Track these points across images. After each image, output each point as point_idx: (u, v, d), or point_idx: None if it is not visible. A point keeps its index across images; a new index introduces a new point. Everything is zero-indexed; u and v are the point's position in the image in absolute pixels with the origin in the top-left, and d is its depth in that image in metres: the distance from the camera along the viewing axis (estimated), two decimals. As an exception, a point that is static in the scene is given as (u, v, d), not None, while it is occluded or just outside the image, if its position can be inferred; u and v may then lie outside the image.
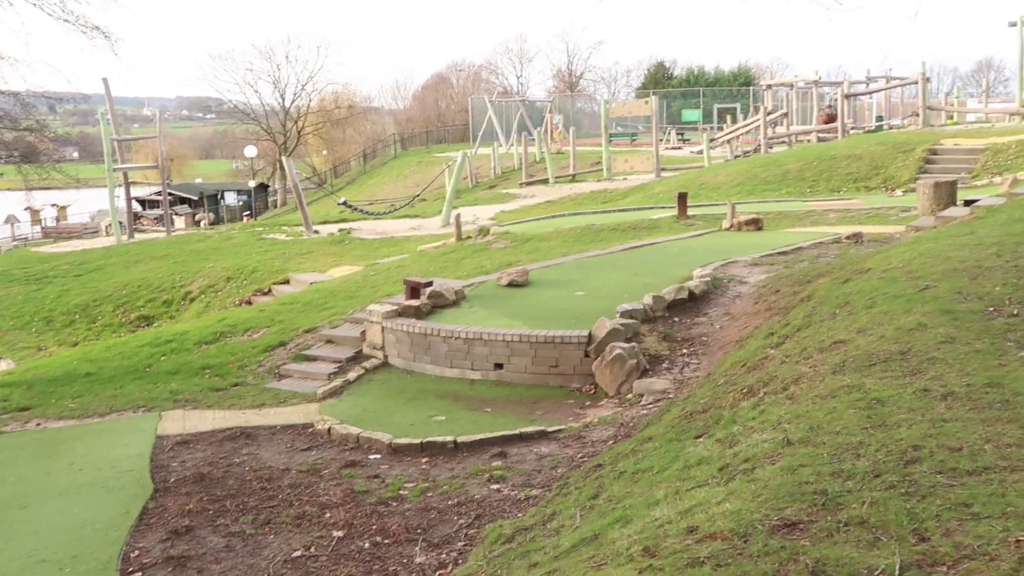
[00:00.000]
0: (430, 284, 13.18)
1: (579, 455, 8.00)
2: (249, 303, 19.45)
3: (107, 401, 11.31)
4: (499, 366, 10.81)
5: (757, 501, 4.23)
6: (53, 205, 52.12)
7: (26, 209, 50.19)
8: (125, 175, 35.53)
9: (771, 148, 35.90)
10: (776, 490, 4.28)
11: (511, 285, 13.58)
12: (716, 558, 3.73)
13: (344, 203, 33.76)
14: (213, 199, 49.00)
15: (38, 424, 10.58)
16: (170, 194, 46.00)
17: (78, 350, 15.84)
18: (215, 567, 6.61)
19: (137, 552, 6.84)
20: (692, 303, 11.82)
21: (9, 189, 55.77)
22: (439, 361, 11.24)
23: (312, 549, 6.80)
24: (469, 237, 20.29)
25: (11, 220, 47.36)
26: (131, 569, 6.56)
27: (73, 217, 51.62)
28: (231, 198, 50.08)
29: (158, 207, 42.76)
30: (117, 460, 8.94)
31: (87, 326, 20.77)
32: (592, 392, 10.10)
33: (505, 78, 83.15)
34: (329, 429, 9.42)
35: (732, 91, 60.60)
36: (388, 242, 24.38)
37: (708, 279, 12.46)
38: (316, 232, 27.81)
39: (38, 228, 48.93)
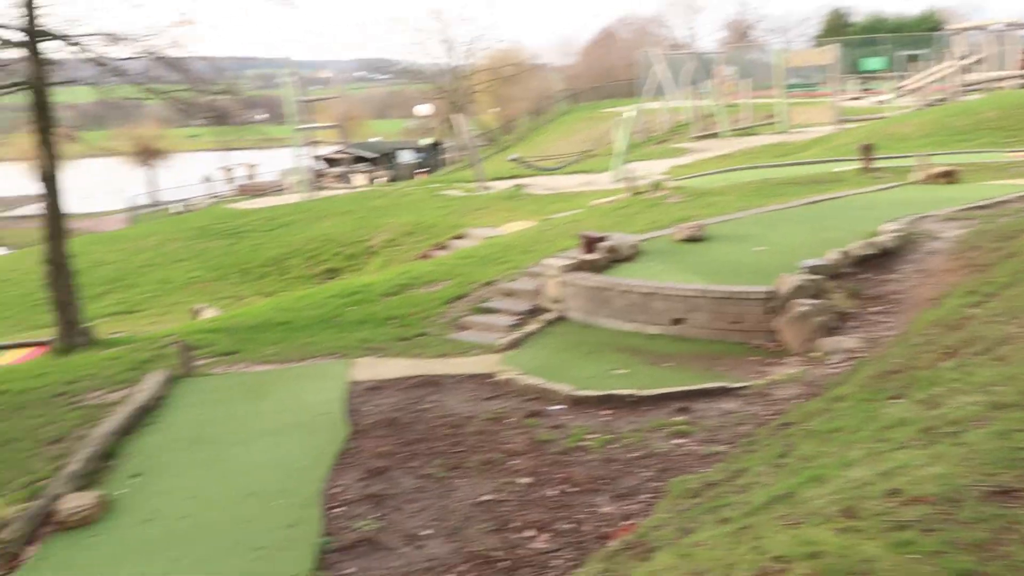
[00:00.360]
0: (605, 239, 13.20)
1: (765, 412, 7.88)
2: (427, 257, 20.07)
3: (302, 348, 12.00)
4: (677, 321, 10.74)
5: (966, 466, 4.06)
6: (244, 164, 55.20)
7: (220, 168, 53.44)
8: (309, 135, 37.18)
9: (964, 96, 33.58)
10: (987, 455, 4.09)
11: (688, 240, 13.41)
12: (923, 523, 3.61)
13: (516, 159, 34.11)
14: (388, 157, 50.56)
15: (244, 367, 11.38)
16: (353, 152, 47.88)
17: (273, 300, 16.84)
18: (410, 506, 6.96)
19: (338, 489, 7.28)
20: (882, 259, 11.32)
21: (205, 149, 59.62)
22: (617, 315, 11.28)
23: (500, 494, 7.04)
24: (642, 192, 20.11)
25: (207, 179, 50.59)
26: (333, 505, 7.00)
27: (262, 175, 54.55)
28: (405, 156, 51.47)
29: (339, 165, 44.56)
30: (315, 403, 9.49)
31: (279, 277, 22.08)
32: (775, 349, 9.89)
33: (674, 31, 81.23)
34: (510, 379, 9.65)
35: (917, 37, 56.79)
36: (560, 197, 24.51)
37: (899, 234, 11.88)
38: (489, 188, 28.27)
39: (232, 186, 52.02)
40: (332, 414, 9.05)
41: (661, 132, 42.10)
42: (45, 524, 6.75)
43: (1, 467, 8.24)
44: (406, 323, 12.66)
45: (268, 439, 8.53)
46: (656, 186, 20.19)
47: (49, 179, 14.31)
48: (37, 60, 14.46)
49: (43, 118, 14.30)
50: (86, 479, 7.50)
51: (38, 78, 14.40)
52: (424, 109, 58.84)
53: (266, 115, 60.14)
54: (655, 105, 42.80)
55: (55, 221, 14.35)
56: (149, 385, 10.02)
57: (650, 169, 26.12)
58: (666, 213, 16.74)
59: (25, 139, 45.63)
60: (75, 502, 6.88)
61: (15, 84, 14.52)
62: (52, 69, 14.98)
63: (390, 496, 7.14)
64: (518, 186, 27.75)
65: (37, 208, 15.74)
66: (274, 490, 7.30)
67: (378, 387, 9.92)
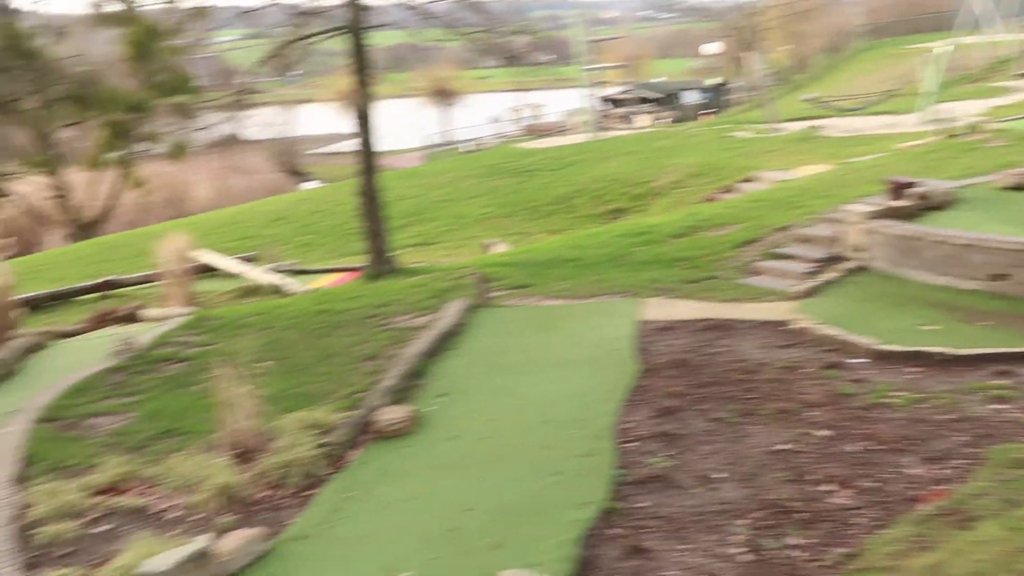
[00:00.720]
0: (916, 184, 12.25)
1: (1109, 383, 7.05)
2: (713, 200, 19.68)
3: (591, 285, 12.21)
4: (999, 277, 9.78)
5: None
6: (530, 105, 56.56)
7: (508, 109, 55.19)
8: (596, 75, 37.39)
9: None
10: None
11: (1015, 188, 12.14)
12: None
13: (810, 99, 32.40)
14: (672, 98, 49.82)
15: (536, 300, 11.78)
16: (636, 93, 47.69)
17: (562, 237, 17.26)
18: (702, 448, 6.93)
19: (630, 425, 7.38)
20: None
21: (493, 90, 61.75)
22: (926, 267, 10.47)
23: (797, 444, 6.83)
24: (956, 135, 18.42)
25: (496, 119, 52.47)
26: (626, 440, 7.10)
27: (547, 116, 55.69)
28: (690, 96, 50.46)
29: (623, 105, 44.53)
30: (604, 339, 9.64)
31: (566, 216, 22.59)
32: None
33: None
34: (806, 328, 9.29)
35: None
36: (859, 140, 23.05)
37: None
38: (780, 130, 27.11)
39: (519, 126, 53.62)
40: (622, 351, 9.15)
41: (977, 70, 38.18)
42: (365, 432, 7.40)
43: (325, 378, 9.09)
44: (695, 265, 12.51)
45: (560, 370, 8.79)
46: (973, 128, 18.42)
47: (363, 118, 15.44)
48: (355, 5, 15.53)
49: (360, 61, 15.38)
50: (399, 395, 8.12)
51: (356, 23, 15.47)
52: (711, 48, 57.18)
53: (553, 56, 61.13)
54: (971, 40, 38.84)
55: (368, 157, 15.50)
56: (451, 312, 10.63)
57: (965, 110, 23.83)
58: (986, 158, 15.25)
59: (336, 81, 49.52)
60: (391, 414, 7.48)
61: (335, 29, 15.70)
62: (368, 14, 16.04)
63: (681, 436, 7.14)
64: (812, 127, 26.39)
65: (345, 145, 17.04)
66: (568, 420, 7.53)
67: (668, 328, 9.90)
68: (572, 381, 8.49)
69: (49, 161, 35.70)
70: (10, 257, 12.59)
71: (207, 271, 18.07)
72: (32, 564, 5.59)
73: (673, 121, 42.83)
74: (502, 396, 8.29)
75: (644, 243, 14.11)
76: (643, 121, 43.02)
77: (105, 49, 38.25)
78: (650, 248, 13.78)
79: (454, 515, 6.05)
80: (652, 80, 58.79)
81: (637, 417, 7.53)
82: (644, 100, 46.80)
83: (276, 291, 16.34)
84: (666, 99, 48.04)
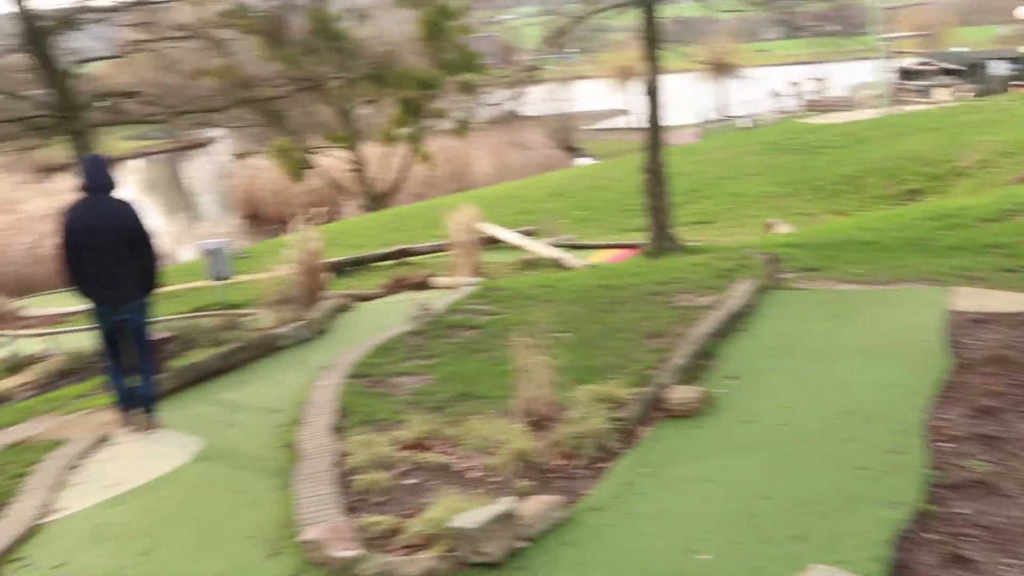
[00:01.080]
0: None
1: None
2: (1029, 181, 17.81)
3: (890, 270, 11.44)
4: None
5: None
6: (812, 78, 53.93)
7: (788, 83, 52.96)
8: (892, 46, 34.94)
9: None
10: None
11: None
12: None
13: None
14: (977, 68, 45.56)
15: (827, 284, 11.20)
16: (934, 64, 44.07)
17: (855, 219, 16.31)
18: (1028, 455, 6.28)
19: (942, 423, 6.81)
20: None
21: (772, 64, 59.48)
22: None
23: None
24: None
25: (775, 93, 50.48)
26: (938, 439, 6.57)
27: (830, 90, 52.85)
28: (997, 67, 45.90)
29: (919, 78, 41.30)
30: (908, 329, 8.99)
31: (853, 196, 21.33)
32: None
33: None
34: None
35: None
36: None
37: None
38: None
39: (800, 101, 51.29)
40: (929, 343, 8.49)
41: None
42: (655, 409, 7.36)
43: (611, 352, 9.14)
44: (1012, 253, 11.39)
45: (861, 359, 8.29)
46: None
47: (652, 93, 15.32)
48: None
49: (650, 34, 15.25)
50: (687, 374, 8.01)
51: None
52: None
53: (838, 27, 57.71)
54: None
55: (654, 132, 15.38)
56: (739, 293, 10.34)
57: None
58: None
59: (612, 57, 49.56)
60: (682, 394, 7.39)
61: (629, 2, 15.64)
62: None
63: (1004, 440, 6.50)
64: None
65: (617, 121, 16.88)
66: (871, 412, 7.08)
67: (982, 320, 9.06)
68: (874, 371, 7.99)
69: (349, 136, 38.66)
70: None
71: (490, 243, 18.80)
72: (352, 508, 6.06)
73: (977, 94, 39.20)
74: (797, 382, 7.95)
75: (949, 227, 13.03)
76: (941, 95, 39.68)
77: (400, 29, 40.77)
78: (957, 233, 12.70)
79: (750, 501, 5.87)
80: (951, 49, 54.12)
81: (951, 416, 6.94)
82: (946, 71, 43.10)
83: (557, 264, 16.70)
84: (969, 70, 44.01)
